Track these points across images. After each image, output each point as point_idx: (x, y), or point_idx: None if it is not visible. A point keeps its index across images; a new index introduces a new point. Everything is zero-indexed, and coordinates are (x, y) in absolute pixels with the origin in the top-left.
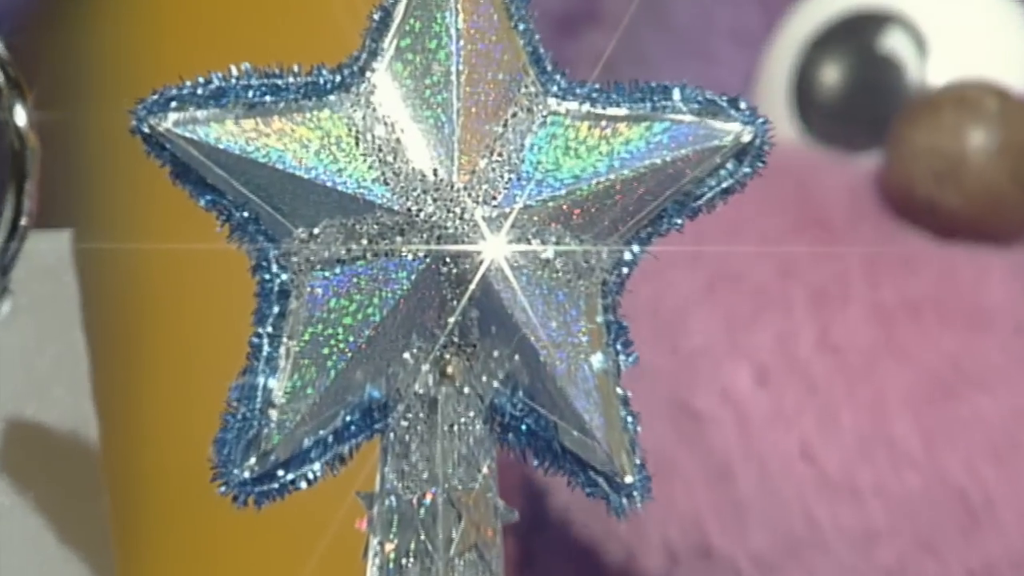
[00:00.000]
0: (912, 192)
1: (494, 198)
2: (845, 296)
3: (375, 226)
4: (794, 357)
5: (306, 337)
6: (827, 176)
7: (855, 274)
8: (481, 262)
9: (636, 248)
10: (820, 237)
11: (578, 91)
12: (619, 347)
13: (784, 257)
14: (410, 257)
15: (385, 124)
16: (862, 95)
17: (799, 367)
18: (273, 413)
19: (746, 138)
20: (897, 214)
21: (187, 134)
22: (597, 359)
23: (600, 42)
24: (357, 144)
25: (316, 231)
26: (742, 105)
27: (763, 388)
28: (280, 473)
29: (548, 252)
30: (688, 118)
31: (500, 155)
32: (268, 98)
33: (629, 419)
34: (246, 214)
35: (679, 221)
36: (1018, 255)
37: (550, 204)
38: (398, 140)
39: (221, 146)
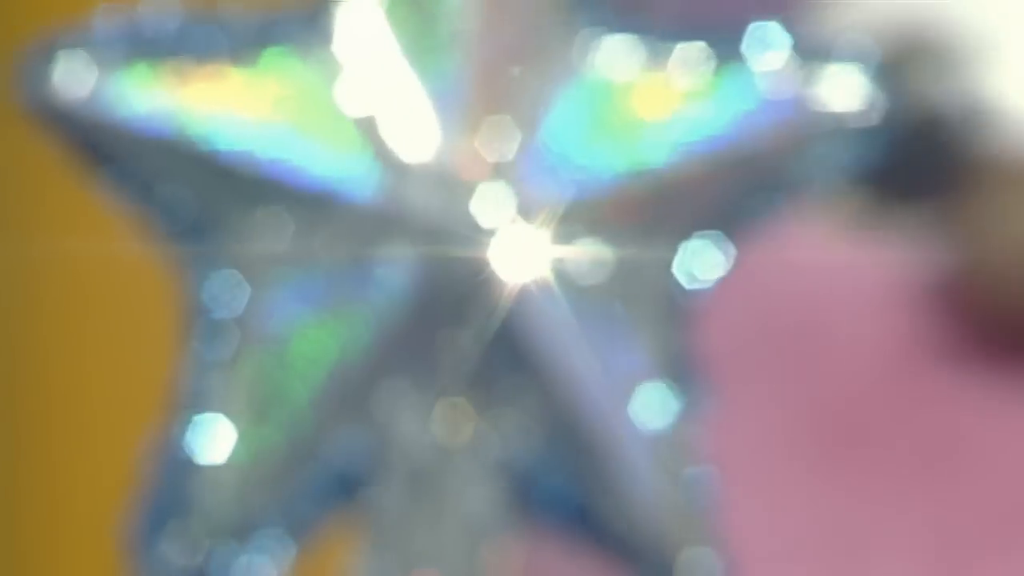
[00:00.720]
0: (992, 296)
1: (514, 186)
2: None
3: (347, 223)
4: None
5: (252, 373)
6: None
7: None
8: (496, 275)
9: (712, 251)
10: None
11: (628, 32)
12: (689, 389)
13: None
14: (397, 267)
15: (362, 81)
16: (911, 139)
17: None
18: (207, 477)
19: (864, 111)
20: (969, 330)
21: (86, 99)
22: (657, 406)
23: None
24: (322, 110)
25: (266, 229)
26: (863, 61)
27: None
28: (218, 560)
29: (590, 261)
30: (785, 74)
31: (523, 127)
32: (199, 48)
33: (702, 487)
34: (169, 205)
35: (772, 213)
36: None
37: (591, 194)
38: (380, 104)
39: (134, 116)
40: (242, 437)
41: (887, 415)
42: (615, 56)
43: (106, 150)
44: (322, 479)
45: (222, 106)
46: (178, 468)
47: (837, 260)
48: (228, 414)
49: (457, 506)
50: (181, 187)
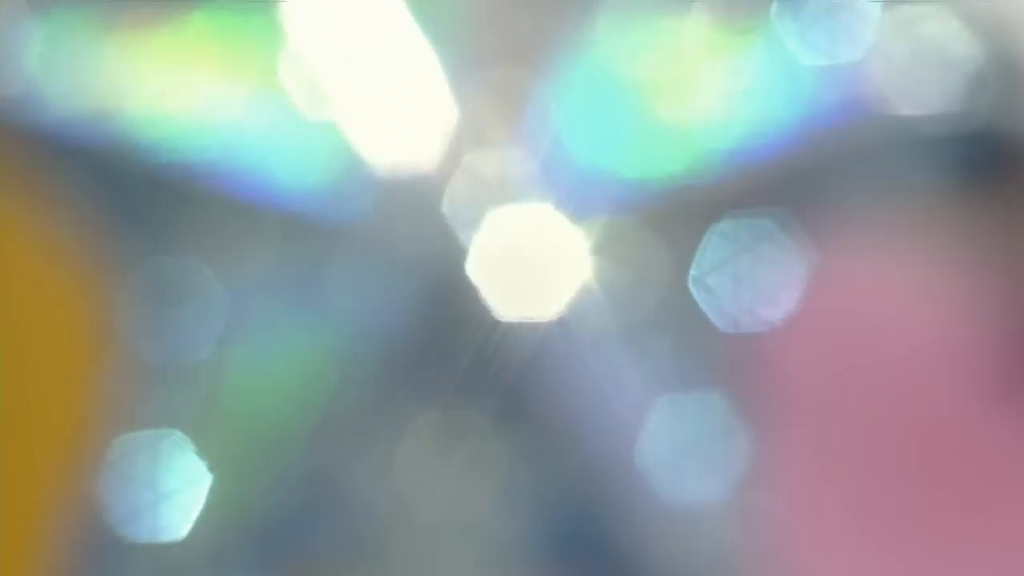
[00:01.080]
0: None
1: (530, 188)
2: None
3: (325, 234)
4: None
5: (216, 413)
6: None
7: None
8: (508, 294)
9: (767, 260)
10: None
11: None
12: (737, 426)
13: None
14: (391, 286)
15: (347, 54)
16: None
17: None
18: (155, 540)
19: (953, 114)
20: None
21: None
22: (698, 450)
23: None
24: (288, 91)
25: (227, 241)
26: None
27: None
28: None
29: (617, 280)
30: (851, 55)
31: (541, 113)
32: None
33: (740, 539)
34: (111, 214)
35: (838, 218)
36: None
37: (619, 197)
38: (367, 85)
39: (66, 109)
40: (219, 475)
41: (952, 456)
42: (635, 14)
43: (20, 141)
44: (308, 521)
45: (157, 73)
46: (112, 533)
47: (913, 292)
48: (201, 450)
49: (460, 553)
50: (108, 189)
